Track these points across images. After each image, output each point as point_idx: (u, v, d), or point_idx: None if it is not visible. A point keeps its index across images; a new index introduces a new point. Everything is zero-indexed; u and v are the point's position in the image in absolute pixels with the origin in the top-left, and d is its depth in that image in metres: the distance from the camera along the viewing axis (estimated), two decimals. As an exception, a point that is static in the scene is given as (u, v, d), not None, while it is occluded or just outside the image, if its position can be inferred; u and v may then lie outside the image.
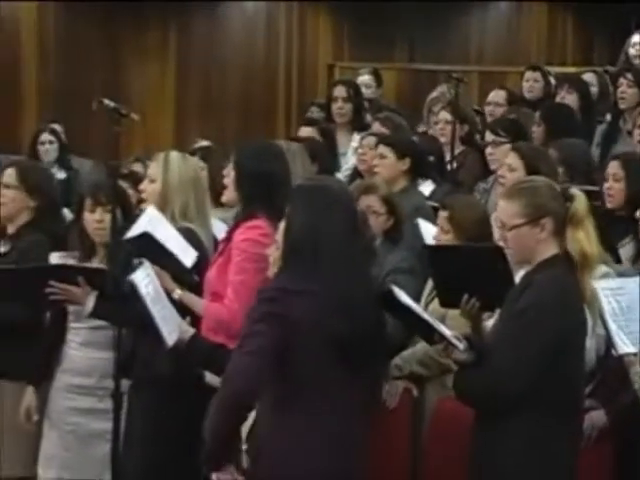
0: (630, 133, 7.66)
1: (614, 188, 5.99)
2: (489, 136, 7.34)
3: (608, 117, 8.37)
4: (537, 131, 7.63)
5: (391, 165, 6.79)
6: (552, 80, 9.44)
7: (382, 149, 6.87)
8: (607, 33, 13.92)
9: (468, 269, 4.49)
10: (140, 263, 4.89)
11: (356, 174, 7.63)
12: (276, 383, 4.12)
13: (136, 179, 6.35)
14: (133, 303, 4.67)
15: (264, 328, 4.07)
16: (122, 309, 4.94)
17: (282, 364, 4.08)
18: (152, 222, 5.23)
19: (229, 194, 5.33)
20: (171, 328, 4.56)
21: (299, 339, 4.07)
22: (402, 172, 6.80)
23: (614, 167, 6.06)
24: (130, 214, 5.58)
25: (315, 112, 9.47)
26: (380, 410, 5.36)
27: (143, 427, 5.30)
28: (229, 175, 5.33)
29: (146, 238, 5.15)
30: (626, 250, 5.65)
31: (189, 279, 5.21)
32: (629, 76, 8.23)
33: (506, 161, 6.25)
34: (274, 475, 4.14)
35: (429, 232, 5.80)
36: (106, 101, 5.53)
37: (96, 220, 5.58)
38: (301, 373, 4.10)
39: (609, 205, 5.91)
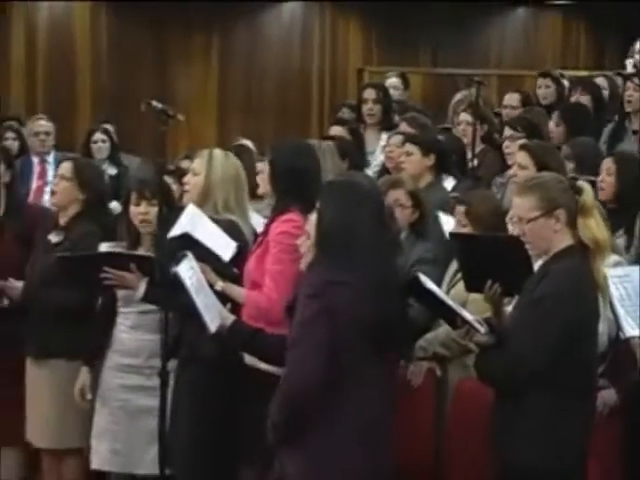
0: (635, 132, 7.71)
1: (606, 181, 5.98)
2: (507, 131, 7.37)
3: (616, 117, 8.35)
4: (556, 130, 7.62)
5: (417, 161, 6.77)
6: (565, 82, 9.44)
7: (409, 147, 6.84)
8: (618, 39, 13.86)
9: (491, 257, 4.50)
10: (184, 255, 4.90)
11: (384, 170, 7.61)
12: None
13: (181, 175, 6.36)
14: (178, 292, 4.68)
15: (316, 325, 4.05)
16: (170, 295, 4.94)
17: (334, 354, 4.07)
18: (193, 220, 5.23)
19: (264, 188, 5.34)
20: (213, 315, 4.57)
21: (340, 328, 4.06)
22: (427, 168, 6.77)
23: (608, 162, 6.06)
24: (173, 207, 5.58)
25: (346, 113, 9.44)
26: (405, 389, 5.36)
27: (189, 403, 5.30)
28: (264, 171, 5.34)
29: (186, 238, 5.16)
30: (620, 242, 5.64)
31: (230, 271, 5.21)
32: (635, 80, 8.23)
33: (516, 160, 6.24)
34: (317, 458, 4.13)
35: (449, 224, 5.79)
36: (154, 103, 5.54)
37: (141, 212, 5.58)
38: (341, 359, 4.08)
39: (600, 197, 5.88)
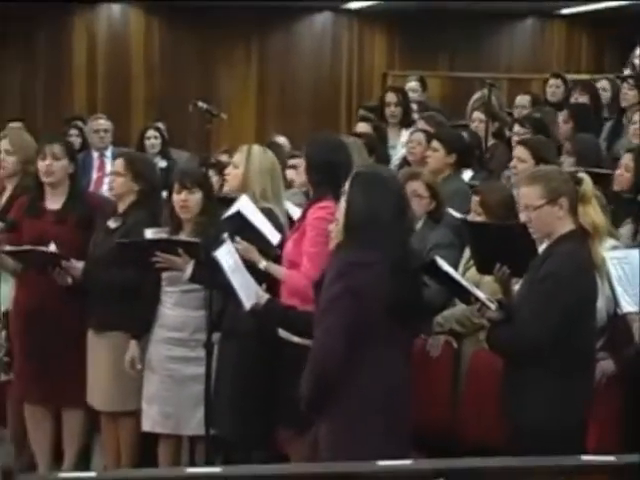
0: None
1: (624, 175, 5.92)
2: (517, 128, 7.33)
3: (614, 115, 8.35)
4: (564, 127, 7.58)
5: (440, 158, 6.68)
6: (571, 84, 9.41)
7: (435, 144, 6.76)
8: (616, 46, 13.80)
9: (499, 242, 4.49)
10: (222, 241, 4.90)
11: (404, 163, 7.59)
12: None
13: (221, 167, 6.36)
14: (217, 273, 4.68)
15: (340, 304, 4.03)
16: (213, 275, 4.94)
17: (357, 329, 4.05)
18: (244, 207, 5.23)
19: (300, 179, 5.33)
20: (249, 294, 4.56)
21: (363, 305, 4.03)
22: (448, 164, 6.70)
23: (628, 159, 5.99)
24: (212, 196, 5.56)
25: (362, 111, 9.48)
26: (425, 359, 5.34)
27: (231, 372, 5.30)
28: (300, 165, 5.32)
29: (239, 217, 5.16)
30: (627, 229, 5.59)
31: (273, 252, 5.21)
32: (631, 80, 8.24)
33: (516, 154, 6.21)
34: (342, 424, 4.11)
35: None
36: (200, 103, 5.55)
37: (181, 200, 5.57)
38: (364, 335, 4.06)
39: (616, 188, 5.86)
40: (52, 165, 5.90)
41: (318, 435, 4.21)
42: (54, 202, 5.99)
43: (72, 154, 6.11)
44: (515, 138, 7.19)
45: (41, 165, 5.92)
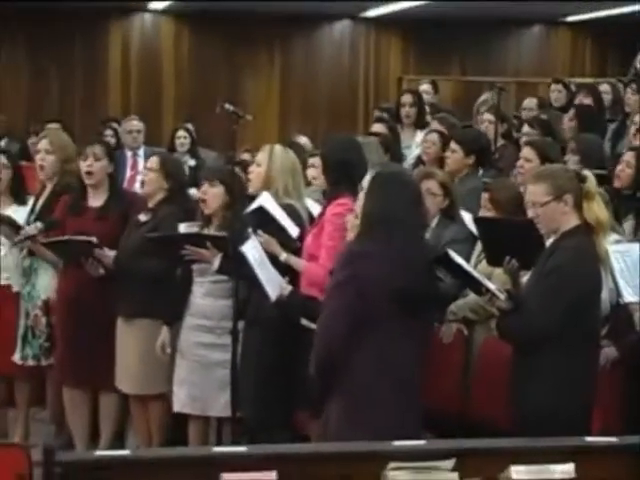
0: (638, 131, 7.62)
1: (625, 172, 5.90)
2: (526, 129, 7.31)
3: (620, 117, 8.32)
4: (568, 124, 7.56)
5: (459, 159, 6.59)
6: (573, 88, 9.39)
7: (453, 145, 6.67)
8: (618, 52, 13.75)
9: (509, 237, 4.48)
10: (248, 236, 4.91)
11: (419, 163, 7.56)
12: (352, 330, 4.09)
13: (245, 166, 6.37)
14: (244, 267, 4.69)
15: (343, 290, 4.05)
16: (239, 267, 4.94)
17: (359, 314, 4.05)
18: (266, 202, 5.24)
19: (318, 177, 5.34)
20: (273, 286, 4.58)
21: (365, 291, 4.03)
22: (466, 165, 6.63)
23: (629, 156, 5.97)
24: (234, 192, 5.56)
25: (378, 113, 9.48)
26: (438, 346, 5.33)
27: (255, 357, 5.30)
28: (318, 164, 5.33)
29: (261, 212, 5.17)
30: (628, 225, 5.57)
31: (293, 245, 5.21)
32: (633, 86, 8.20)
33: (523, 154, 6.18)
34: (350, 405, 4.10)
35: (469, 218, 5.69)
36: (227, 105, 5.54)
37: (202, 193, 5.60)
38: (368, 319, 4.06)
39: (616, 184, 5.83)
40: (93, 165, 5.93)
41: (328, 416, 4.21)
42: (96, 200, 6.02)
43: (111, 155, 6.15)
44: (524, 138, 7.17)
45: (82, 165, 5.95)
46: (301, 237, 5.24)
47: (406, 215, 4.15)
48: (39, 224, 5.97)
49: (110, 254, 5.80)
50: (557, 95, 9.17)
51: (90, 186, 5.98)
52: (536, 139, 6.60)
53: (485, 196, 5.52)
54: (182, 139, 9.72)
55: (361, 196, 4.23)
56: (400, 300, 4.06)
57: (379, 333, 4.06)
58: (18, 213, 6.19)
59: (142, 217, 5.85)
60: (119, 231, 5.90)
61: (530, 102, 9.08)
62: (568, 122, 7.59)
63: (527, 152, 6.10)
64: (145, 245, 5.61)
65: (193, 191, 6.68)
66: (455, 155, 6.63)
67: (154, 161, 5.93)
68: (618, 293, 4.56)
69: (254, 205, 5.25)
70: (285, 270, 5.01)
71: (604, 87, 9.01)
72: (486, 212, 5.44)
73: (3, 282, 6.24)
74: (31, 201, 6.32)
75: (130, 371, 5.82)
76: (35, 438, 6.14)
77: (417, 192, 4.39)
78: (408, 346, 4.14)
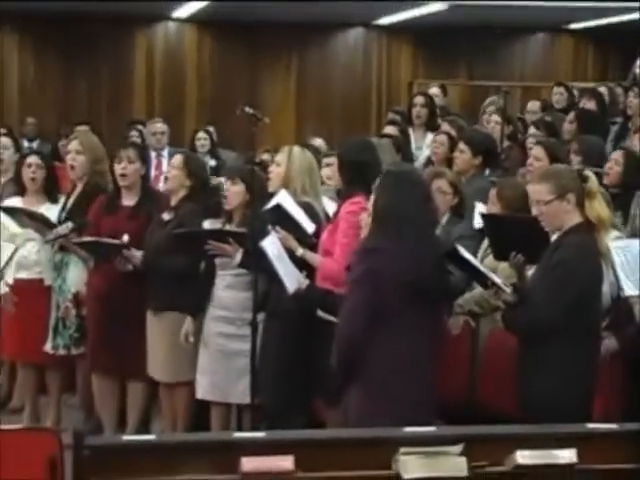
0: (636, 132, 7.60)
1: (613, 169, 5.90)
2: (532, 130, 7.30)
3: (619, 119, 8.30)
4: (570, 127, 7.56)
5: (467, 160, 6.56)
6: (575, 92, 9.39)
7: (462, 146, 6.64)
8: (618, 58, 13.71)
9: (515, 233, 4.47)
10: (268, 232, 4.92)
11: (429, 163, 7.55)
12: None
13: (264, 165, 6.37)
14: (264, 261, 4.70)
15: (360, 284, 4.04)
16: (259, 261, 4.95)
17: (376, 308, 4.05)
18: (283, 200, 5.24)
19: (334, 176, 5.33)
20: (291, 279, 4.58)
21: (381, 285, 4.03)
22: (473, 166, 6.62)
23: (617, 155, 5.98)
24: (254, 190, 5.55)
25: (391, 115, 9.47)
26: (447, 337, 5.32)
27: (274, 347, 5.31)
28: (334, 163, 5.32)
29: (279, 209, 5.17)
30: (617, 220, 5.56)
31: (309, 241, 5.21)
32: (636, 89, 8.19)
33: (533, 153, 6.17)
34: (369, 392, 4.10)
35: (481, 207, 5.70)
36: (246, 109, 5.54)
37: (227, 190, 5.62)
38: (385, 311, 4.05)
39: (605, 182, 5.81)
40: (127, 168, 5.96)
41: (347, 404, 4.21)
42: (129, 199, 6.04)
43: (143, 157, 6.19)
44: (530, 139, 7.14)
45: (117, 168, 5.98)
46: (318, 233, 5.24)
47: (416, 212, 4.15)
48: (70, 224, 6.00)
49: (137, 254, 5.82)
50: (559, 97, 9.17)
51: (124, 187, 6.01)
52: (546, 139, 6.60)
53: (492, 192, 5.52)
54: (202, 140, 9.73)
55: (373, 196, 4.23)
56: (412, 294, 4.06)
57: (395, 326, 4.06)
58: (50, 211, 6.22)
59: (165, 216, 5.86)
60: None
61: (533, 105, 9.09)
62: (568, 125, 7.58)
63: (537, 151, 6.10)
64: (170, 242, 5.61)
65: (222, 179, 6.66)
66: (463, 155, 6.61)
67: (178, 159, 5.95)
68: (619, 287, 4.56)
69: (272, 203, 5.26)
70: (301, 265, 5.01)
71: (602, 90, 9.02)
72: (492, 207, 5.43)
73: (36, 276, 6.26)
74: (62, 199, 6.34)
75: (159, 360, 5.84)
76: (66, 423, 6.16)
77: (427, 190, 4.40)
78: (421, 338, 4.14)
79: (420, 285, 4.07)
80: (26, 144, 10.48)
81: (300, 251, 5.14)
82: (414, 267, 4.05)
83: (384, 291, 4.03)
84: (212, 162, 9.31)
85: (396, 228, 4.08)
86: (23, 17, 12.90)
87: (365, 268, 4.05)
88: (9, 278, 6.04)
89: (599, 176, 5.32)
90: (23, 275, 6.22)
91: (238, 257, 5.38)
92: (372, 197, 4.22)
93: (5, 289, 5.98)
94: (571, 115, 7.72)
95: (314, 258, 5.15)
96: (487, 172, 6.91)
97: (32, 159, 6.34)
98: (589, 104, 8.32)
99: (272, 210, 5.24)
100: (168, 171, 6.01)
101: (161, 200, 6.09)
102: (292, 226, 5.19)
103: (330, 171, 6.19)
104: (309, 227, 5.21)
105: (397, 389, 4.06)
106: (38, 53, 13.44)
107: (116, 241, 5.76)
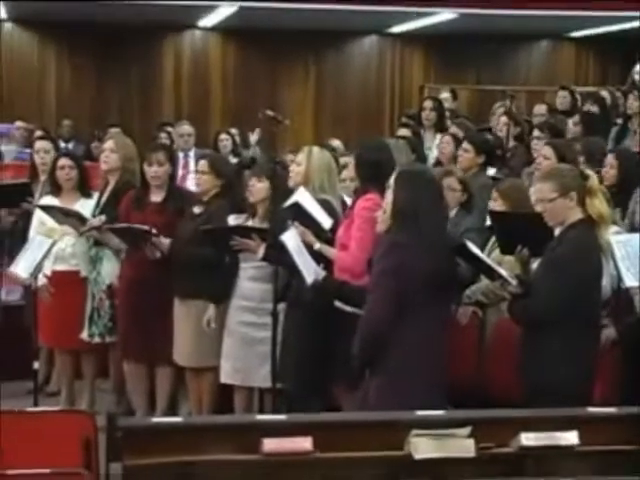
0: (636, 132, 7.62)
1: (609, 172, 5.90)
2: (536, 132, 7.29)
3: (620, 121, 8.29)
4: (574, 129, 7.55)
5: (470, 158, 6.59)
6: (577, 96, 9.37)
7: (466, 145, 6.68)
8: (618, 64, 13.64)
9: (520, 228, 4.46)
10: (287, 227, 4.91)
11: (438, 163, 7.55)
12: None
13: (285, 164, 6.37)
14: (284, 254, 4.70)
15: (385, 278, 4.02)
16: (280, 255, 4.95)
17: (400, 300, 4.03)
18: (302, 197, 5.24)
19: (350, 175, 5.32)
20: (310, 272, 4.58)
21: (404, 279, 4.02)
22: (476, 164, 6.63)
23: (611, 158, 5.98)
24: (277, 187, 5.56)
25: (405, 118, 9.46)
26: (456, 326, 5.31)
27: (294, 336, 5.30)
28: (351, 163, 5.31)
29: (297, 206, 5.17)
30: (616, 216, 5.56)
31: (325, 236, 5.20)
32: (635, 92, 8.18)
33: (542, 152, 6.17)
34: (389, 378, 4.09)
35: None
36: (267, 112, 5.54)
37: (249, 186, 5.64)
38: (406, 303, 4.04)
39: (605, 183, 5.80)
40: (158, 170, 6.00)
41: (367, 389, 4.20)
42: (156, 195, 6.07)
43: (172, 158, 6.22)
44: (535, 141, 7.14)
45: (148, 170, 6.01)
46: (335, 229, 5.24)
47: (432, 209, 4.14)
48: (102, 217, 6.06)
49: (165, 242, 5.85)
50: (562, 100, 9.17)
51: (154, 186, 6.04)
52: (556, 140, 6.63)
53: (494, 190, 5.52)
54: (224, 141, 9.75)
55: (389, 192, 4.22)
56: (431, 285, 4.04)
57: (415, 316, 4.03)
58: (85, 207, 6.24)
59: (196, 209, 5.90)
60: (175, 223, 5.94)
61: (540, 108, 9.07)
62: (573, 127, 7.57)
63: (546, 151, 6.10)
64: (198, 235, 5.63)
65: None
66: (467, 154, 6.63)
67: (203, 164, 5.95)
68: (620, 278, 4.55)
69: (291, 200, 5.26)
70: (319, 258, 5.01)
71: (603, 93, 9.02)
72: (494, 204, 5.43)
73: (72, 268, 6.29)
74: (96, 196, 6.37)
75: (185, 346, 5.85)
76: (99, 406, 6.18)
77: (440, 188, 4.40)
78: (437, 327, 4.12)
79: (438, 277, 4.05)
80: (62, 145, 10.50)
81: (317, 245, 5.13)
82: (433, 260, 4.04)
83: (408, 284, 4.01)
84: (233, 161, 9.32)
85: (416, 224, 4.07)
86: (60, 27, 12.95)
87: (390, 262, 4.03)
88: (47, 270, 6.06)
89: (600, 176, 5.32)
90: (60, 267, 6.24)
91: (261, 252, 5.38)
92: (388, 195, 4.21)
93: (43, 280, 6.00)
94: (576, 118, 7.71)
95: (331, 251, 5.14)
96: (493, 170, 6.93)
97: (64, 161, 6.36)
98: (592, 108, 8.32)
99: (291, 207, 5.24)
100: (198, 177, 6.01)
101: (186, 196, 6.14)
102: (310, 222, 5.18)
103: (347, 170, 6.18)
104: (327, 222, 5.21)
105: (414, 377, 4.05)
106: (74, 60, 13.47)
107: (145, 227, 5.78)
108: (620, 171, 5.87)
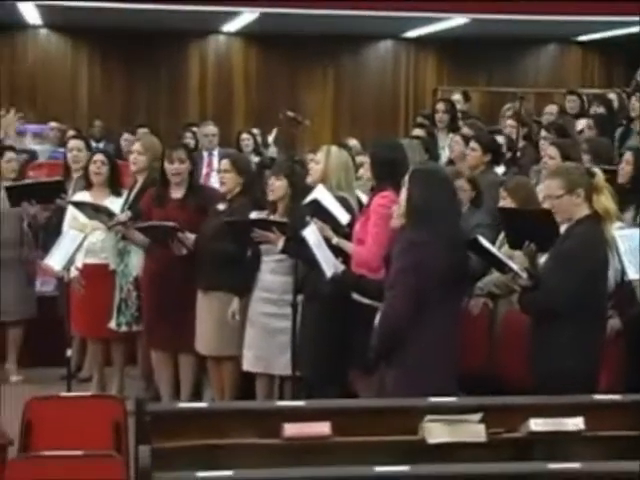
0: (639, 134, 7.59)
1: (625, 169, 5.85)
2: (544, 133, 7.27)
3: (624, 122, 8.24)
4: (589, 132, 7.53)
5: (478, 157, 6.55)
6: (584, 98, 9.32)
7: (473, 144, 6.66)
8: (623, 67, 13.57)
9: (528, 224, 4.44)
10: (307, 222, 4.91)
11: (450, 162, 7.53)
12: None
13: (304, 163, 6.37)
14: (304, 248, 4.70)
15: (405, 274, 4.01)
16: (299, 248, 4.95)
17: (419, 295, 4.03)
18: (320, 194, 5.23)
19: (366, 173, 5.32)
20: (329, 265, 4.58)
21: (423, 275, 4.01)
22: (483, 162, 6.61)
23: (628, 155, 5.92)
24: (296, 185, 5.55)
25: (420, 119, 9.44)
26: (467, 317, 5.30)
27: (313, 326, 5.30)
28: (367, 161, 5.31)
29: (315, 203, 5.17)
30: (629, 215, 5.51)
31: (342, 231, 5.20)
32: (638, 94, 8.13)
33: (548, 152, 6.15)
34: (406, 369, 4.08)
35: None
36: (288, 113, 5.54)
37: (269, 184, 5.63)
38: (425, 299, 4.03)
39: (620, 180, 5.76)
40: (179, 168, 5.99)
41: (384, 379, 4.20)
42: (177, 192, 6.07)
43: (191, 156, 6.22)
44: (542, 141, 7.12)
45: (169, 168, 6.01)
46: (352, 224, 5.23)
47: (447, 206, 4.14)
48: (129, 212, 6.08)
49: (191, 237, 5.85)
50: (572, 104, 9.13)
51: (175, 183, 6.04)
52: (561, 140, 6.61)
53: (502, 188, 5.51)
54: (246, 141, 9.77)
55: (404, 190, 4.21)
56: (448, 280, 4.03)
57: (433, 309, 4.02)
58: (114, 204, 6.26)
59: (220, 206, 5.90)
60: (195, 219, 5.93)
61: (551, 108, 9.06)
62: (588, 130, 7.54)
63: (552, 151, 6.08)
64: (222, 229, 5.63)
65: None
66: (475, 153, 6.62)
67: (225, 163, 5.95)
68: (623, 271, 4.53)
69: (310, 197, 5.25)
70: (337, 252, 5.00)
71: (612, 96, 8.96)
72: (503, 201, 5.41)
73: (102, 261, 6.31)
74: (125, 193, 6.39)
75: (207, 336, 5.86)
76: (128, 392, 6.21)
77: (453, 186, 4.40)
78: (452, 318, 4.12)
79: (453, 273, 4.04)
80: (93, 144, 10.54)
81: (335, 240, 5.13)
82: (449, 257, 4.03)
83: (426, 281, 4.00)
84: (256, 159, 9.33)
85: (430, 221, 4.06)
86: (92, 33, 13.01)
87: (409, 260, 4.01)
88: (79, 263, 6.09)
89: (611, 173, 5.28)
90: (91, 260, 6.27)
91: (280, 244, 5.38)
92: (404, 193, 4.20)
93: (75, 273, 6.02)
94: (590, 122, 7.68)
95: (348, 246, 5.14)
96: (502, 168, 6.91)
97: (98, 156, 6.45)
98: (599, 109, 8.28)
99: (310, 204, 5.23)
100: (221, 176, 6.01)
101: (206, 192, 6.16)
102: (328, 218, 5.18)
103: (363, 168, 6.17)
104: (344, 218, 5.20)
105: (430, 368, 4.04)
106: (104, 64, 13.54)
107: (170, 223, 5.79)
108: (635, 168, 5.84)
